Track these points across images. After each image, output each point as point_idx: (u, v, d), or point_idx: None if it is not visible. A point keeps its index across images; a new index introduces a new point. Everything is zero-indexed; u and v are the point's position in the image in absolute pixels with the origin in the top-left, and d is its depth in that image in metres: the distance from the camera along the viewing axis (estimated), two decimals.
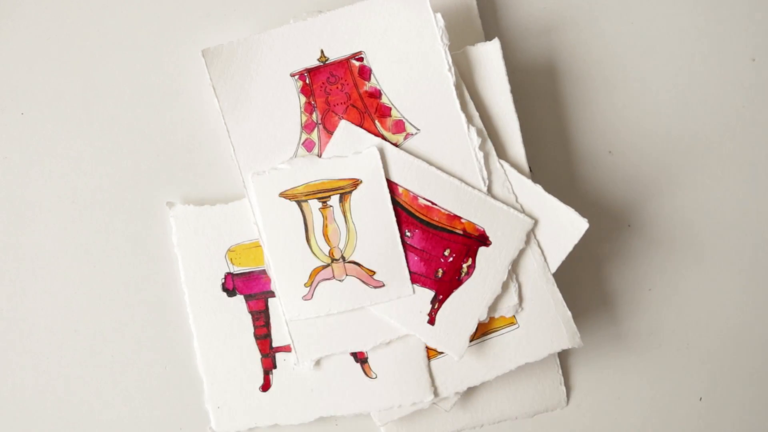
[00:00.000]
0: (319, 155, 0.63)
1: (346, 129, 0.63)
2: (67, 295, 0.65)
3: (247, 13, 0.66)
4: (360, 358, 0.64)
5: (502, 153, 0.63)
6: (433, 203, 0.63)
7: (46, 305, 0.65)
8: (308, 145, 0.63)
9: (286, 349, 0.64)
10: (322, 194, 0.63)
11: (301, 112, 0.63)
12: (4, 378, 0.65)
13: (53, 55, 0.66)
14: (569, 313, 0.63)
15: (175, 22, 0.66)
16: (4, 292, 0.65)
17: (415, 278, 0.63)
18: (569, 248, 0.62)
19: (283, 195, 0.63)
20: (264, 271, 0.64)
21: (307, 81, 0.63)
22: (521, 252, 0.63)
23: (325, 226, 0.63)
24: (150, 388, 0.66)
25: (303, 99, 0.63)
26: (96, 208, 0.65)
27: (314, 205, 0.63)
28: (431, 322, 0.63)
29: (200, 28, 0.66)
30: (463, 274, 0.63)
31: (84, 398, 0.66)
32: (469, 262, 0.63)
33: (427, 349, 0.64)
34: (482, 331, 0.64)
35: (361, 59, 0.63)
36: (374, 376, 0.64)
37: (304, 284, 0.63)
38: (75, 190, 0.65)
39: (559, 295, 0.63)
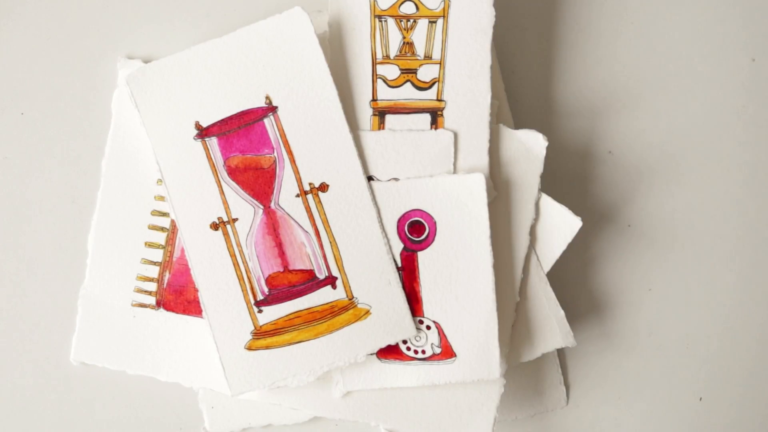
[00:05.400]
0: None
1: None
2: (67, 294, 0.65)
3: (246, 14, 0.66)
4: None
5: None
6: None
7: (46, 305, 0.66)
8: None
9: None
10: None
11: None
12: (4, 378, 0.66)
13: (53, 55, 0.66)
14: (562, 313, 0.63)
15: (174, 23, 0.66)
16: (4, 292, 0.65)
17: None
18: (563, 247, 0.62)
19: None
20: None
21: None
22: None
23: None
24: (147, 387, 0.66)
25: None
26: (96, 208, 0.66)
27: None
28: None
29: (200, 29, 0.66)
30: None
31: (83, 398, 0.66)
32: None
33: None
34: None
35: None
36: None
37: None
38: (75, 190, 0.66)
39: (552, 294, 0.63)
